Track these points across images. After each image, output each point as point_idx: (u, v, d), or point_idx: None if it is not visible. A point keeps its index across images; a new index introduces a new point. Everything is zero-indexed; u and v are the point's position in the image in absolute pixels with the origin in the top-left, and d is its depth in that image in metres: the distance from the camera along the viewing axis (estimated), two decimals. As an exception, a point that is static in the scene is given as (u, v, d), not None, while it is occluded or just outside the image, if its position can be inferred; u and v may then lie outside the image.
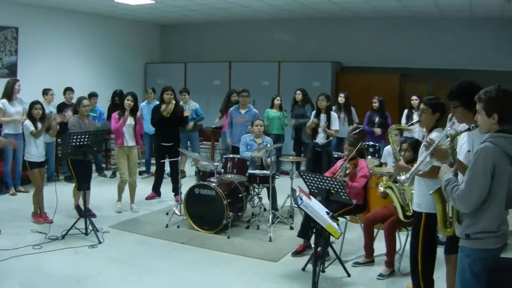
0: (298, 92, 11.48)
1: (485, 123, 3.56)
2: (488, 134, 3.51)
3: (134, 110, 8.69)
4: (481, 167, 3.40)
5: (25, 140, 7.81)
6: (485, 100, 3.51)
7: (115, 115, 8.64)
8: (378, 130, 10.39)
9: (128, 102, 8.59)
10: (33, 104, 7.81)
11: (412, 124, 5.19)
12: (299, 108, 11.39)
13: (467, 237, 3.57)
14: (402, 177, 4.50)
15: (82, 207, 7.75)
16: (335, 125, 9.46)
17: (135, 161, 8.82)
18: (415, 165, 4.36)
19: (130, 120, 8.60)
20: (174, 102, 9.14)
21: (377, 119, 10.55)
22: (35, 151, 7.71)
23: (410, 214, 5.20)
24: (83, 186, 7.69)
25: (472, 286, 3.56)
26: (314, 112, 9.65)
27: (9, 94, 9.25)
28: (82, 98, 8.13)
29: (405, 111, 10.68)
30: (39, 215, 7.84)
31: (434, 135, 4.60)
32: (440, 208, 3.99)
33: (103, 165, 11.89)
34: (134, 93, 8.85)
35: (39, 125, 7.73)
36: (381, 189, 5.54)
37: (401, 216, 5.39)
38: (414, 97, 10.53)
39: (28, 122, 7.70)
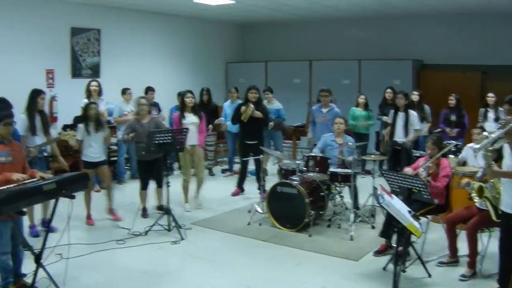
0: (389, 90, 11.12)
1: None
2: None
3: (195, 108, 8.63)
4: None
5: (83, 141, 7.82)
6: None
7: (176, 115, 8.67)
8: (450, 131, 10.10)
9: (188, 100, 8.54)
10: (89, 105, 7.88)
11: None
12: (389, 107, 10.59)
13: None
14: (476, 146, 4.55)
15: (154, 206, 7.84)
16: (416, 124, 9.23)
17: (200, 158, 8.75)
18: (485, 141, 4.33)
19: (193, 119, 8.54)
20: (251, 106, 9.18)
21: (453, 118, 10.25)
22: (91, 151, 7.77)
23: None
24: (159, 184, 8.06)
25: None
26: (392, 111, 9.49)
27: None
28: (138, 98, 8.27)
29: (481, 110, 10.26)
30: (90, 216, 7.88)
31: None
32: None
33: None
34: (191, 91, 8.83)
35: (92, 126, 7.75)
36: (477, 199, 5.43)
37: (494, 218, 5.27)
38: (490, 94, 10.14)
39: (82, 126, 7.73)
